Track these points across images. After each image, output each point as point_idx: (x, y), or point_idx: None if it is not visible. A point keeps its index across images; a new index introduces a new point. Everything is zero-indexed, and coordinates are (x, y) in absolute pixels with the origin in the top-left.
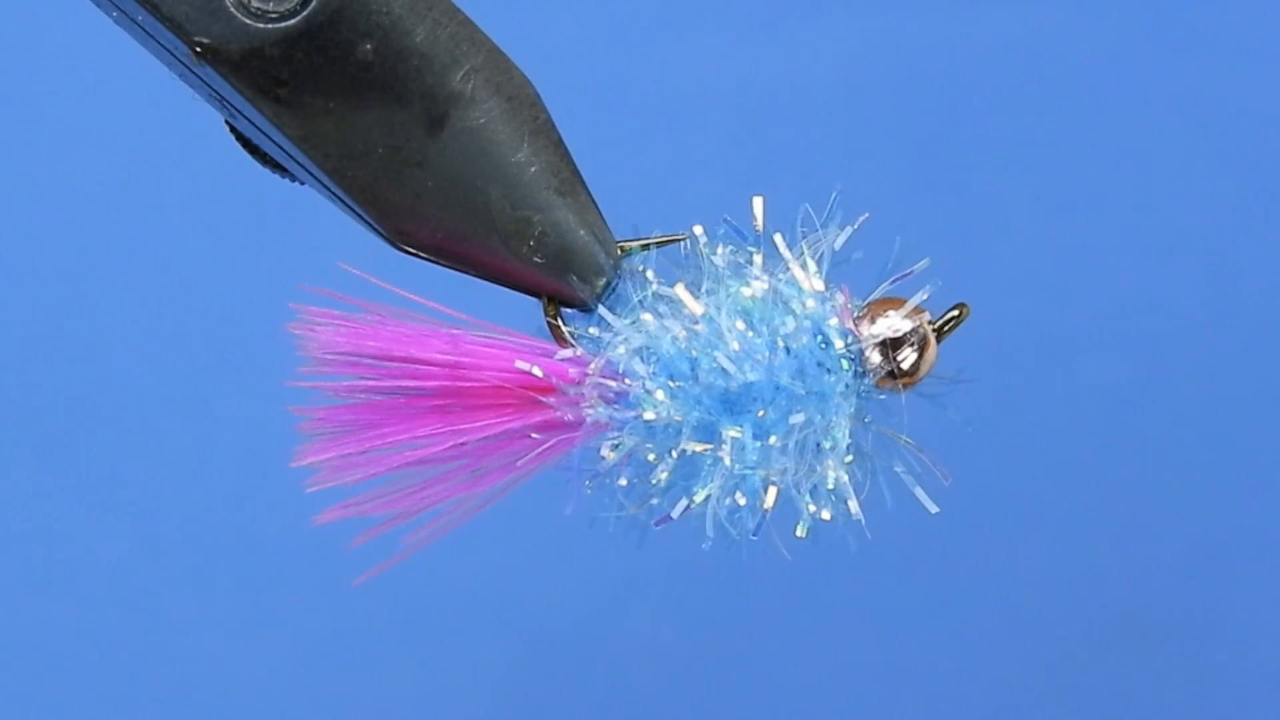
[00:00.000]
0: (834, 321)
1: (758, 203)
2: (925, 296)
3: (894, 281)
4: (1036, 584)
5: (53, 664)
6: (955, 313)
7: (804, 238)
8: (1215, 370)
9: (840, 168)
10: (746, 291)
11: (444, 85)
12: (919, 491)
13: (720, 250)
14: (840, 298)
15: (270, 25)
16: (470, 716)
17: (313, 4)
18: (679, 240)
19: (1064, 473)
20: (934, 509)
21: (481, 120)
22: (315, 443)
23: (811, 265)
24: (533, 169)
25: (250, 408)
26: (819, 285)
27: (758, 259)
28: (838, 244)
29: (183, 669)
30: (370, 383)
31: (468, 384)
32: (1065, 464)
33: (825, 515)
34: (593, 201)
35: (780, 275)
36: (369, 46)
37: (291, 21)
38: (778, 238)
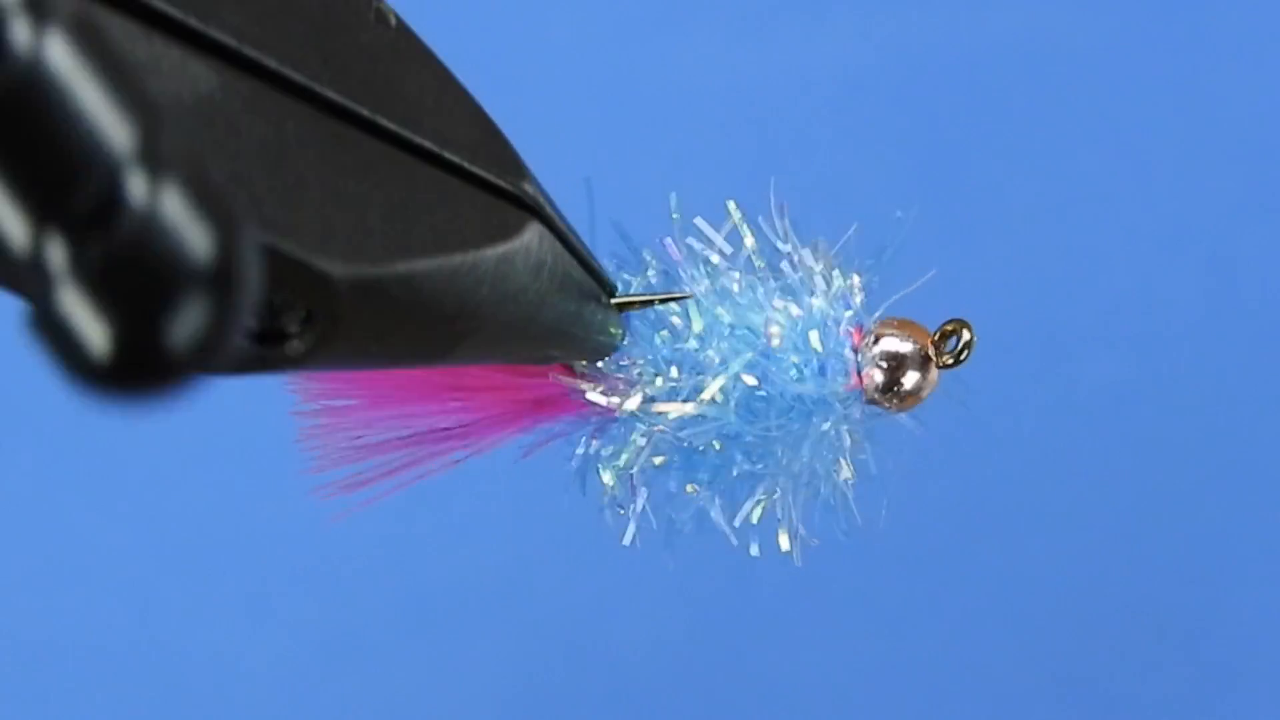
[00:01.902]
0: (839, 338)
1: (780, 213)
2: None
3: (898, 298)
4: (1037, 583)
5: (54, 663)
6: (967, 336)
7: (809, 248)
8: (1216, 370)
9: (841, 167)
10: (757, 314)
11: (454, 345)
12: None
13: (730, 271)
14: (846, 315)
15: (281, 352)
16: (470, 716)
17: (319, 320)
18: (682, 298)
19: (1064, 473)
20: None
21: (492, 332)
22: (316, 428)
23: (818, 280)
24: (545, 329)
25: (250, 404)
26: (824, 298)
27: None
28: (836, 252)
29: (183, 666)
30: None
31: (473, 413)
32: (1065, 464)
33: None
34: (601, 285)
35: (787, 286)
36: (379, 341)
37: (301, 347)
38: (785, 248)
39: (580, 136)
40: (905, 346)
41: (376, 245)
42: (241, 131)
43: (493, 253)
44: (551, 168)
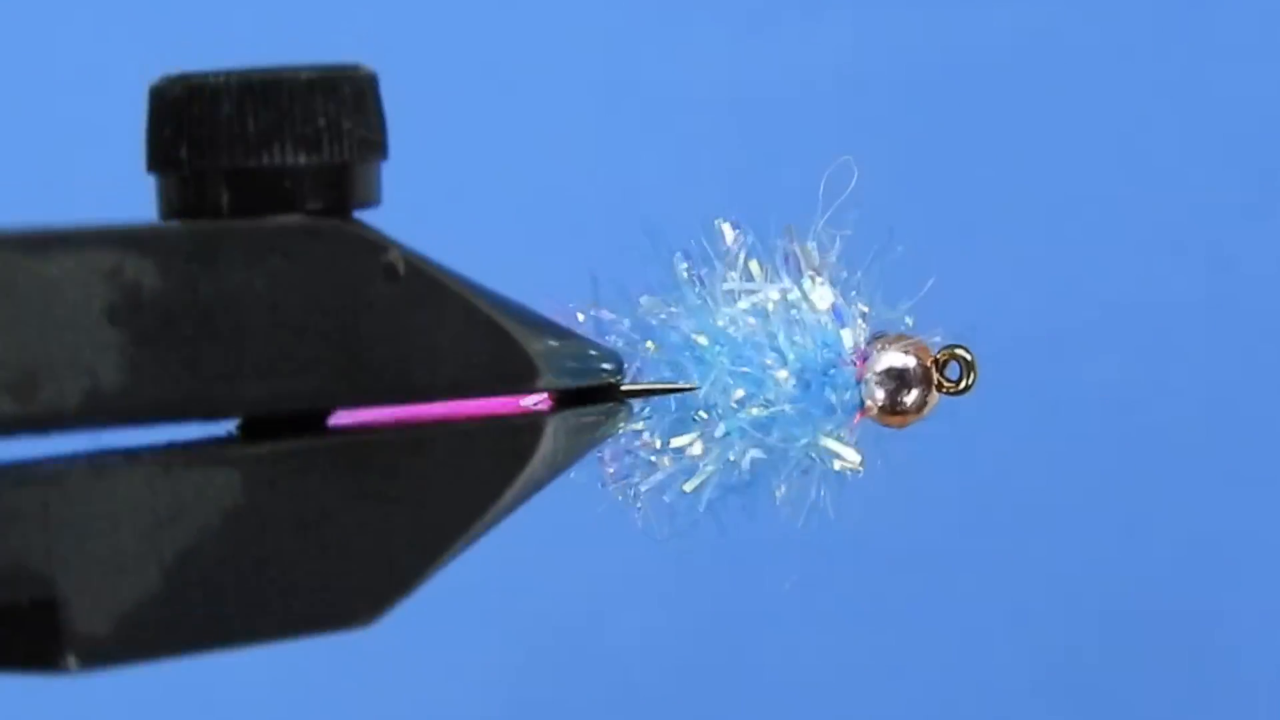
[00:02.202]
0: (842, 350)
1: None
2: (937, 337)
3: (894, 317)
4: (1037, 584)
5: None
6: (967, 358)
7: (813, 252)
8: (1216, 370)
9: (839, 167)
10: (754, 314)
11: None
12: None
13: (730, 273)
14: (851, 332)
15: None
16: (472, 715)
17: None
18: (686, 390)
19: (1064, 473)
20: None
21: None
22: None
23: (823, 287)
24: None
25: None
26: (828, 308)
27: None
28: (836, 258)
29: (182, 666)
30: None
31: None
32: (1065, 464)
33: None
34: (609, 393)
35: (791, 295)
36: None
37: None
38: (793, 252)
39: (580, 137)
40: (906, 363)
41: (404, 571)
42: (268, 525)
43: (510, 491)
44: (552, 169)
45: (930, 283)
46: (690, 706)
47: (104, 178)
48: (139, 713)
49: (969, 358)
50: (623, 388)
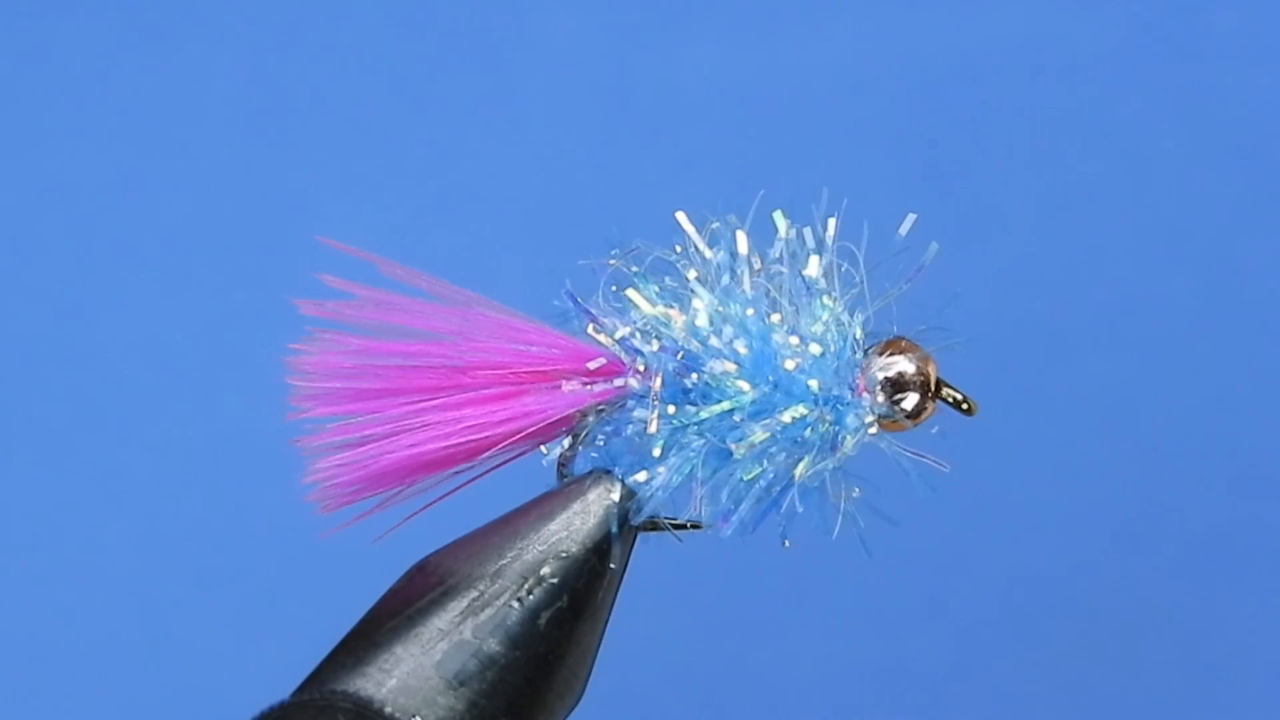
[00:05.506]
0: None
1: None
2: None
3: (908, 281)
4: (1037, 584)
5: (53, 664)
6: (965, 406)
7: (816, 299)
8: (1215, 370)
9: (841, 167)
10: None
11: None
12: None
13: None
14: (856, 331)
15: None
16: None
17: None
18: (692, 529)
19: (1063, 473)
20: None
21: None
22: (315, 433)
23: (827, 293)
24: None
25: (251, 400)
26: (833, 312)
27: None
28: (827, 260)
29: (184, 669)
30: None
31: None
32: (1065, 464)
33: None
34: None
35: (796, 298)
36: None
37: None
38: (807, 258)
39: (579, 139)
40: (904, 369)
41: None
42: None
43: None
44: (553, 170)
45: (928, 284)
46: (690, 706)
47: None
48: (141, 713)
49: (959, 396)
50: (636, 523)
